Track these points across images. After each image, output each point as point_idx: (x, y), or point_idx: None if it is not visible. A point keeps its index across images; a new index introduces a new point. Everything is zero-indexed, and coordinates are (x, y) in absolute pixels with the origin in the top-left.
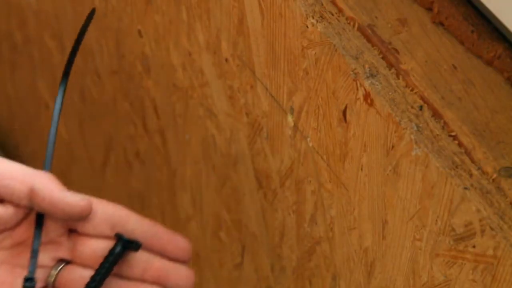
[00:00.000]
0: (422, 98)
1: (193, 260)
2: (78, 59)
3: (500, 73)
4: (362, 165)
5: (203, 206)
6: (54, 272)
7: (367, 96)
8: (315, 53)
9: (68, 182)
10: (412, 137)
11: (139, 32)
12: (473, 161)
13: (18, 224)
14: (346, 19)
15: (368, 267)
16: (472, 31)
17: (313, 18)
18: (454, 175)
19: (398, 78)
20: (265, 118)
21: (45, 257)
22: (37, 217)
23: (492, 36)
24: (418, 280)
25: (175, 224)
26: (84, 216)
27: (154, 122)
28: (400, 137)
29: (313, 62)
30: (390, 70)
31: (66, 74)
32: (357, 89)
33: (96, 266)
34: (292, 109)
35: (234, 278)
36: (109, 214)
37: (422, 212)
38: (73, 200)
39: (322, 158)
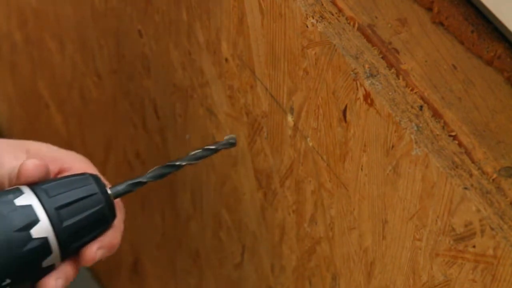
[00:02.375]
0: (422, 98)
1: (193, 260)
2: (78, 59)
3: (500, 73)
4: (362, 165)
5: (203, 206)
6: None
7: (367, 96)
8: (315, 53)
9: None
10: (412, 137)
11: (139, 32)
12: (473, 161)
13: None
14: (346, 19)
15: (368, 267)
16: (472, 31)
17: (313, 18)
18: (454, 175)
19: (398, 78)
20: (265, 118)
21: None
22: None
23: (492, 36)
24: (418, 280)
25: (175, 224)
26: None
27: (154, 122)
28: (400, 137)
29: (313, 62)
30: (390, 70)
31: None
32: (357, 89)
33: None
34: (292, 109)
35: (234, 278)
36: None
37: (422, 212)
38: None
39: (322, 158)
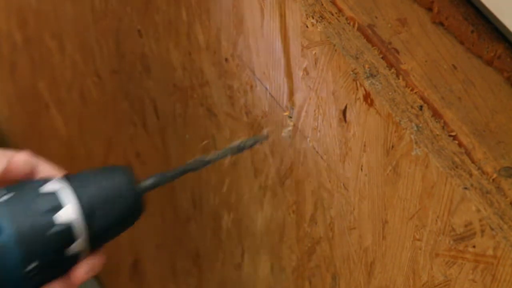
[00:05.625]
0: (422, 98)
1: (193, 260)
2: (78, 59)
3: (500, 73)
4: (362, 165)
5: (203, 206)
6: None
7: (367, 96)
8: (315, 53)
9: None
10: (412, 137)
11: (139, 32)
12: (473, 161)
13: None
14: (346, 19)
15: (368, 267)
16: (472, 31)
17: (313, 18)
18: (454, 175)
19: (398, 78)
20: (265, 118)
21: None
22: None
23: (492, 36)
24: (418, 280)
25: (175, 224)
26: None
27: (154, 122)
28: (400, 137)
29: (313, 62)
30: (390, 70)
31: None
32: (357, 89)
33: None
34: (292, 109)
35: (234, 278)
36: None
37: (422, 212)
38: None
39: (322, 158)
